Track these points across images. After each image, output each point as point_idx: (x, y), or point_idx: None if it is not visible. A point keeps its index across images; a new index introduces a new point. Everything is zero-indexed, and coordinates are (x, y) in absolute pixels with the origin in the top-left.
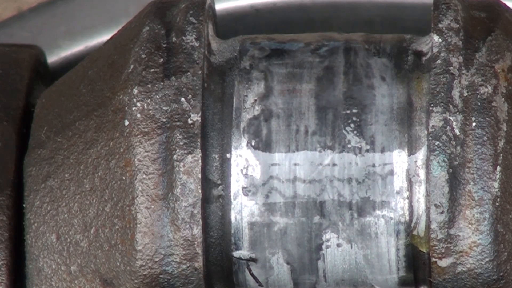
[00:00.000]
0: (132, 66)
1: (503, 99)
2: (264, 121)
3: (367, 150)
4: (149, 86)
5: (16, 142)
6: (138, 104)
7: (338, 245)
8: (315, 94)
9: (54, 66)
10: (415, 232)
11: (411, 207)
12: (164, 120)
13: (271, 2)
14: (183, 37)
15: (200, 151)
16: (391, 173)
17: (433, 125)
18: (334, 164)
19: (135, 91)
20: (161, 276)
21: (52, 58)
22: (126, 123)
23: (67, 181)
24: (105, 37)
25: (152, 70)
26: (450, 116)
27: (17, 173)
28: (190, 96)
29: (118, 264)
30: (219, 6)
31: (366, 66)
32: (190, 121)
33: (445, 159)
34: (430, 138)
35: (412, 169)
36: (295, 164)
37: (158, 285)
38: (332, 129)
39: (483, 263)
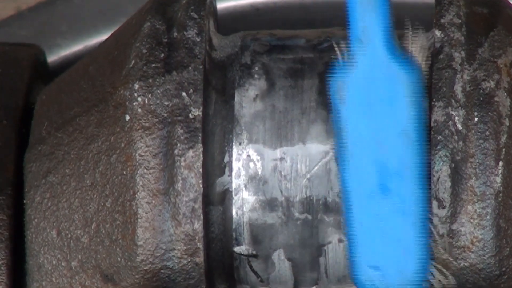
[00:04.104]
0: (133, 61)
1: (505, 94)
2: (266, 116)
3: None
4: (150, 81)
5: (16, 141)
6: (139, 99)
7: (340, 241)
8: (316, 90)
9: (53, 66)
10: None
11: None
12: (165, 114)
13: (272, 2)
14: (184, 32)
15: (201, 145)
16: None
17: (435, 120)
18: (336, 160)
19: (136, 86)
20: (162, 271)
21: (52, 57)
22: (127, 118)
23: (67, 176)
24: (104, 36)
25: (153, 65)
26: (452, 110)
27: (17, 172)
28: (191, 90)
29: (119, 259)
30: (220, 5)
31: None
32: (191, 116)
33: (447, 153)
34: (432, 133)
35: None
36: (297, 160)
37: (159, 280)
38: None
39: (485, 258)
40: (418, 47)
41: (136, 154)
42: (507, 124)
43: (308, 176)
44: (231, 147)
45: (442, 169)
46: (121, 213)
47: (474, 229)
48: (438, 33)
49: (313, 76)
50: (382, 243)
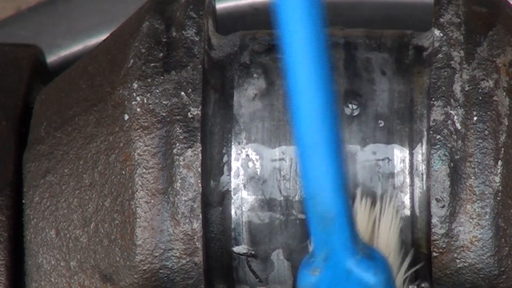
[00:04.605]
0: (132, 61)
1: (504, 93)
2: (265, 115)
3: (367, 145)
4: (149, 80)
5: (15, 142)
6: (138, 99)
7: None
8: None
9: (53, 66)
10: (416, 227)
11: (412, 201)
12: (164, 114)
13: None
14: (183, 32)
15: (200, 145)
16: (392, 167)
17: (434, 119)
18: None
19: (135, 85)
20: (161, 271)
21: (52, 57)
22: (126, 117)
23: (66, 176)
24: (104, 36)
25: (152, 64)
26: (451, 110)
27: (16, 173)
28: (190, 90)
29: (117, 259)
30: (219, 5)
31: (365, 61)
32: (190, 115)
33: (446, 153)
34: (431, 132)
35: (413, 164)
36: (295, 159)
37: (157, 280)
38: None
39: (484, 258)
40: (387, 227)
41: (135, 154)
42: (506, 123)
43: None
44: (230, 147)
45: (441, 169)
46: (120, 213)
47: (473, 229)
48: (437, 33)
49: None
50: None
